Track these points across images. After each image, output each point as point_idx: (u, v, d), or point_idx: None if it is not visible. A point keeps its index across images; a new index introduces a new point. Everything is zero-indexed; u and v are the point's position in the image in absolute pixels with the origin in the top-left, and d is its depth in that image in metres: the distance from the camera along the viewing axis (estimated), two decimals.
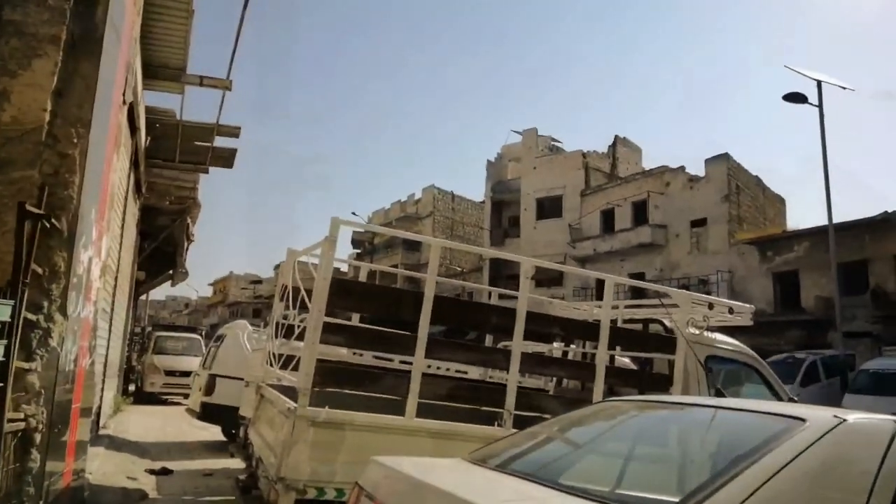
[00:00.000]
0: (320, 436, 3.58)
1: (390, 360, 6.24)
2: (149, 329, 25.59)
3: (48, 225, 4.41)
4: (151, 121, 11.79)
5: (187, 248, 17.92)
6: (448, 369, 6.94)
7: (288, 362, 4.53)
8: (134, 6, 6.36)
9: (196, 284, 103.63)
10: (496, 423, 4.00)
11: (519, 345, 4.05)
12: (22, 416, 4.29)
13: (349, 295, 4.02)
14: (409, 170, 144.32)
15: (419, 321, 3.85)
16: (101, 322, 8.65)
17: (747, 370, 5.51)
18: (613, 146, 37.26)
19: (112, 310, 10.20)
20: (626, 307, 5.87)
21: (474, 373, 7.25)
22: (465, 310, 4.31)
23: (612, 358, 4.95)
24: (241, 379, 8.18)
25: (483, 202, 42.12)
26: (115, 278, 10.03)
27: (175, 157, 13.89)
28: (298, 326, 4.29)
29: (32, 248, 4.18)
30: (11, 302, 3.96)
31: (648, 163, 36.46)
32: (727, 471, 1.92)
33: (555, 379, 6.03)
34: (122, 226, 10.31)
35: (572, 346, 6.02)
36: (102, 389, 10.24)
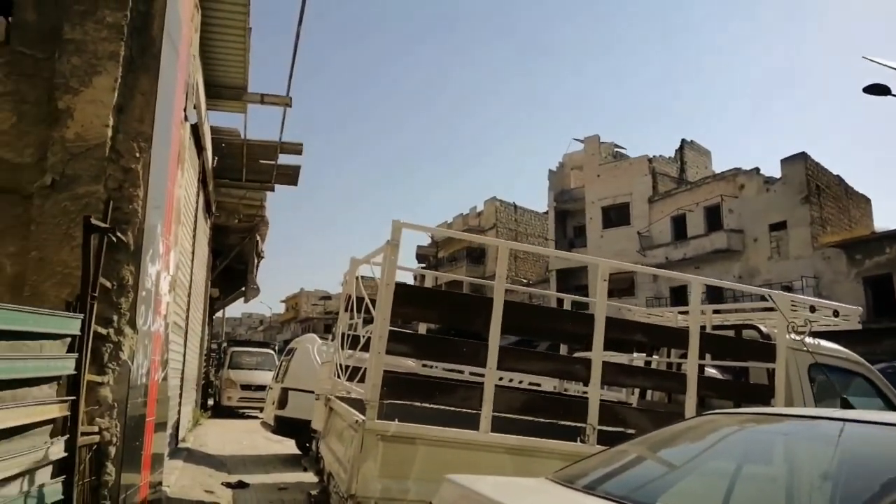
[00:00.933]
0: (390, 451, 3.36)
1: (461, 371, 5.98)
2: (225, 345, 26.27)
3: (114, 239, 4.41)
4: (217, 141, 12.07)
5: (257, 265, 18.31)
6: (521, 381, 6.62)
7: (356, 374, 4.37)
8: (191, 22, 6.44)
9: (269, 301, 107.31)
10: (578, 439, 3.67)
11: (600, 353, 3.72)
12: (96, 429, 4.29)
13: (414, 301, 3.79)
14: (470, 182, 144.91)
15: (489, 329, 3.58)
16: (175, 336, 8.79)
17: (857, 380, 4.93)
18: (681, 150, 36.00)
19: (186, 325, 10.40)
20: (715, 312, 5.39)
21: (546, 385, 6.91)
22: (537, 316, 4.00)
23: (700, 368, 4.51)
24: (313, 392, 8.12)
25: (546, 213, 41.45)
26: (189, 294, 10.23)
27: (242, 177, 14.19)
28: (364, 336, 4.12)
29: (100, 262, 4.17)
30: (81, 316, 3.94)
31: (718, 166, 35.06)
32: (885, 494, 1.56)
33: (637, 391, 5.62)
34: (193, 243, 10.53)
35: (655, 357, 5.60)
36: (180, 404, 10.43)
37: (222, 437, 13.60)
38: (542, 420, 4.33)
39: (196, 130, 9.50)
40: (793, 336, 4.29)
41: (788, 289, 24.86)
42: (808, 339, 4.67)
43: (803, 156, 26.66)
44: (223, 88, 10.19)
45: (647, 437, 2.68)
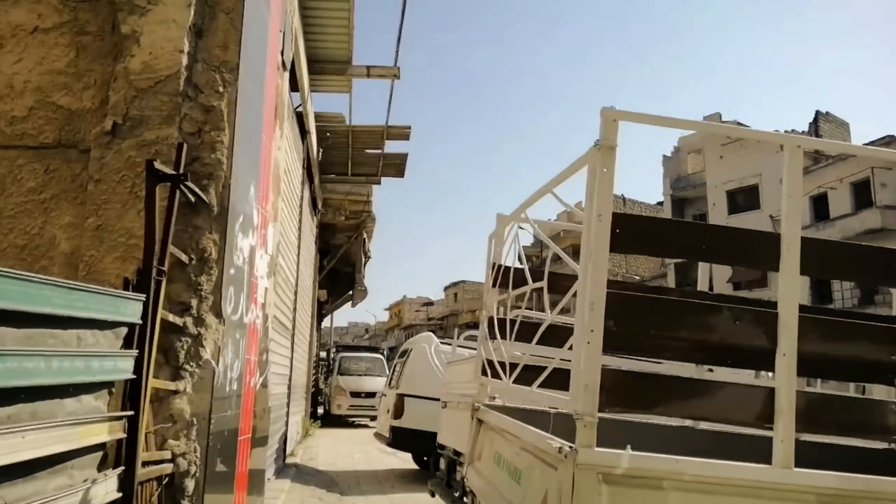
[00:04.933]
0: (621, 499, 1.95)
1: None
2: (333, 351, 25.96)
3: (190, 196, 3.27)
4: (321, 129, 11.17)
5: (364, 265, 17.47)
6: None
7: (519, 374, 3.00)
8: None
9: (373, 309, 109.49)
10: None
11: None
12: (168, 454, 3.14)
13: (645, 241, 2.30)
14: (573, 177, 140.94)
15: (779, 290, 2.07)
16: (280, 338, 7.80)
17: None
18: (815, 122, 32.22)
19: (293, 326, 9.47)
20: None
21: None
22: (858, 259, 2.39)
23: None
24: (436, 399, 6.85)
25: (660, 203, 38.65)
26: (295, 292, 9.30)
27: (347, 170, 13.33)
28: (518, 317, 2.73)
29: (170, 223, 3.02)
30: (142, 297, 2.80)
31: (857, 139, 31.00)
32: None
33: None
34: (299, 237, 9.60)
35: None
36: (288, 414, 9.51)
37: (333, 449, 12.72)
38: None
39: (300, 116, 8.56)
40: None
41: None
42: None
43: None
44: (325, 63, 9.19)
45: None
